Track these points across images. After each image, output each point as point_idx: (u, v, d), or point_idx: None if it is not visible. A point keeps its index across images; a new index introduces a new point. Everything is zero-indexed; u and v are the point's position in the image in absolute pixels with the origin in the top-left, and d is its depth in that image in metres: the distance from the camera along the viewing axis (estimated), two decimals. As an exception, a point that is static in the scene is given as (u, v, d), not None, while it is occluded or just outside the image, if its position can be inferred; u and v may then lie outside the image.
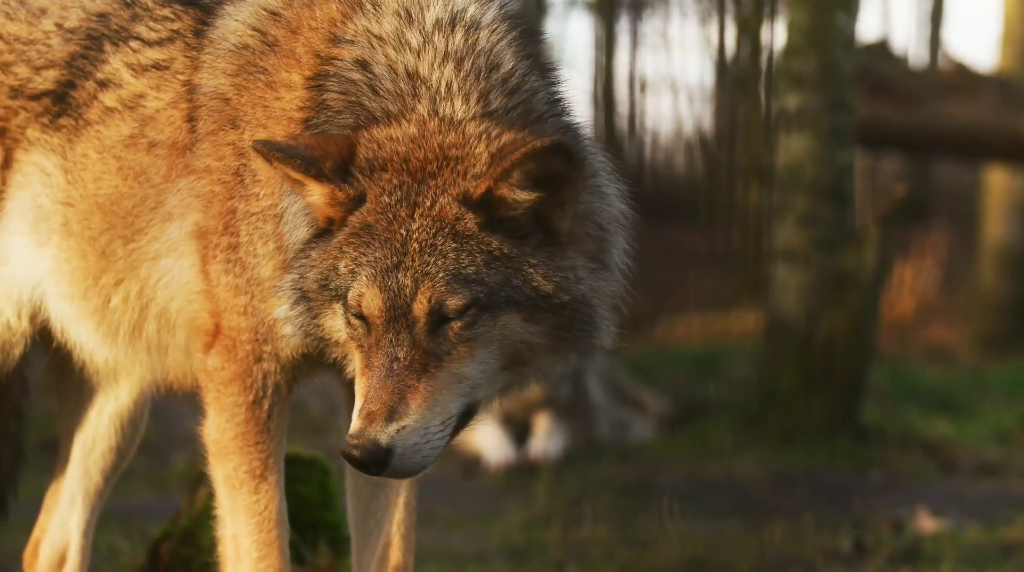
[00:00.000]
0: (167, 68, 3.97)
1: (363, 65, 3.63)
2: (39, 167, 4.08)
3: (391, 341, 3.44)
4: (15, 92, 4.11)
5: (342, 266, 3.49)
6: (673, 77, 16.71)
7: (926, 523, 6.74)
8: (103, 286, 3.99)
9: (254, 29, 3.84)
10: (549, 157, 3.40)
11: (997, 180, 13.95)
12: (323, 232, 3.57)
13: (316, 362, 3.82)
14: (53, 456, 4.58)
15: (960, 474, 8.23)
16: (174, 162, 3.90)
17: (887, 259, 8.46)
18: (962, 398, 10.72)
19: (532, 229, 3.48)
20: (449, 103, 3.55)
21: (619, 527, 6.58)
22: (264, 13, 3.85)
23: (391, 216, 3.47)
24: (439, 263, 3.43)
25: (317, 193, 3.55)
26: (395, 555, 4.00)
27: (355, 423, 3.42)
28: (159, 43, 4.00)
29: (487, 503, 7.51)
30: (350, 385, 3.68)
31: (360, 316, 3.47)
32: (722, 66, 16.13)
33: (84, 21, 4.10)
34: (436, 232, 3.44)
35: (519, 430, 8.89)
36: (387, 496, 4.01)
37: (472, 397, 3.49)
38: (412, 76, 3.58)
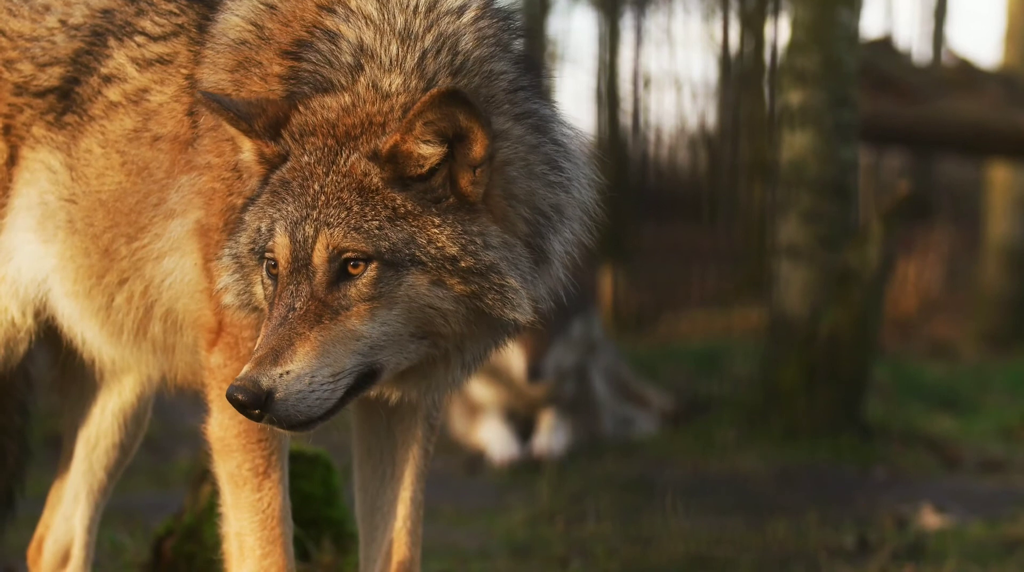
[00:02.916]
0: (171, 62, 3.98)
1: (332, 36, 3.66)
2: (45, 164, 4.07)
3: (291, 292, 3.45)
4: (19, 89, 4.10)
5: (263, 226, 3.54)
6: (677, 73, 16.70)
7: (930, 519, 6.73)
8: (107, 285, 3.99)
9: (252, 24, 3.85)
10: (447, 105, 3.42)
11: (1000, 177, 13.93)
12: (255, 195, 3.61)
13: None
14: (57, 452, 4.57)
15: (964, 471, 8.22)
16: (176, 157, 3.90)
17: (890, 256, 8.45)
18: (965, 395, 10.71)
19: (445, 193, 3.50)
20: (389, 77, 3.58)
21: (622, 523, 6.58)
22: (261, 7, 3.86)
23: (307, 174, 3.51)
24: (341, 215, 3.46)
25: (247, 148, 3.62)
26: (401, 550, 3.99)
27: (244, 368, 3.42)
28: (163, 38, 4.01)
29: (491, 499, 7.51)
30: None
31: (273, 276, 3.50)
32: (725, 62, 16.13)
33: (88, 18, 4.09)
34: (344, 187, 3.48)
35: (523, 426, 8.88)
36: (394, 491, 4.01)
37: (373, 358, 3.48)
38: (365, 51, 3.62)
